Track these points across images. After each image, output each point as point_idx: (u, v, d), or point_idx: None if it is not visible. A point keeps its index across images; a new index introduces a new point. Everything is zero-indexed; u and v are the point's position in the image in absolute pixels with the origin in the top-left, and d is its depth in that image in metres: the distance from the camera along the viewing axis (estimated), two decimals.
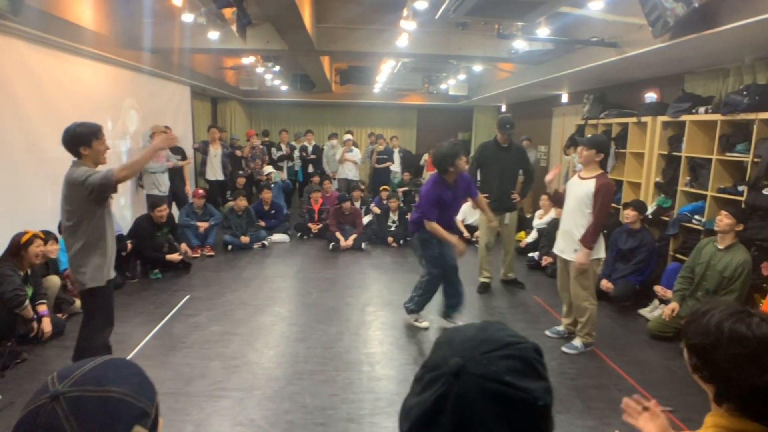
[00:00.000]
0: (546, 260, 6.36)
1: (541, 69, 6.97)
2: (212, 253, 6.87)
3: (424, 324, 4.50)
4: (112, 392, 0.73)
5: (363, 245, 7.37)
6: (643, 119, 5.94)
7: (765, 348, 1.15)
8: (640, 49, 4.55)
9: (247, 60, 9.02)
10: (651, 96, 6.15)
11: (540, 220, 7.20)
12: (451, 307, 4.57)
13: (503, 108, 12.73)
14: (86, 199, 2.94)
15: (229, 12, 5.41)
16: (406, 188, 10.01)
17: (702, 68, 5.33)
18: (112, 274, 3.22)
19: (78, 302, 4.58)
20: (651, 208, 5.63)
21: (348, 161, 9.93)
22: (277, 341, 4.24)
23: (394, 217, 7.85)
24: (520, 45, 5.76)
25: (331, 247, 7.32)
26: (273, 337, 4.33)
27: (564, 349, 4.12)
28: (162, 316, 4.65)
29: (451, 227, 4.47)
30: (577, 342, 4.13)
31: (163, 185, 6.98)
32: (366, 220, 8.18)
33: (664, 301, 4.69)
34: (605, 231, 4.55)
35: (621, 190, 6.31)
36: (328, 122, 13.91)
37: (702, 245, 4.30)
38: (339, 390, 3.46)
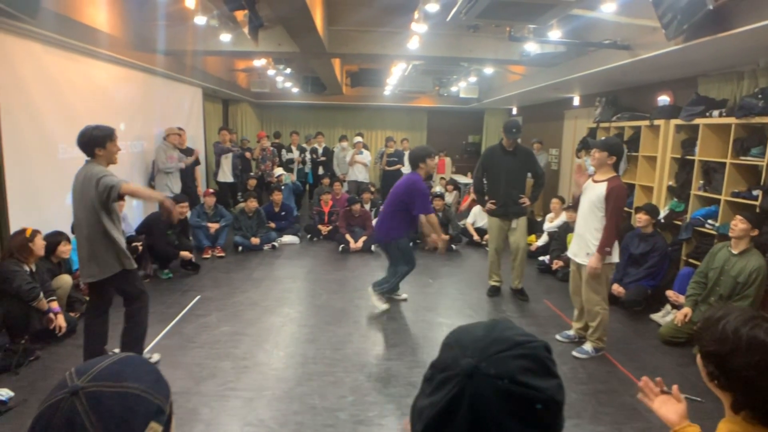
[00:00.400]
0: (557, 264, 6.32)
1: (553, 72, 6.94)
2: (223, 254, 6.91)
3: (385, 305, 4.94)
4: (130, 388, 0.74)
5: (372, 247, 7.37)
6: (656, 122, 5.89)
7: None
8: (653, 51, 4.51)
9: (259, 62, 9.09)
10: (664, 99, 6.10)
11: (551, 223, 7.16)
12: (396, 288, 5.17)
13: (514, 111, 12.70)
14: (98, 196, 3.20)
15: (241, 14, 5.44)
16: None
17: (716, 71, 5.28)
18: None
19: None
20: (663, 212, 5.58)
21: (358, 163, 9.95)
22: (286, 342, 4.25)
23: None
24: (531, 47, 5.74)
25: (340, 249, 7.33)
26: (282, 338, 4.34)
27: (575, 353, 4.09)
28: (173, 316, 4.68)
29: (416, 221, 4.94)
30: (588, 347, 4.10)
31: (175, 186, 7.04)
32: (376, 222, 8.16)
33: (677, 306, 4.64)
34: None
35: (633, 194, 6.26)
36: (338, 124, 13.95)
37: (716, 250, 4.25)
38: (348, 391, 3.46)
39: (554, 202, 7.22)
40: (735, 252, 4.05)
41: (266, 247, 7.35)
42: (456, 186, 10.13)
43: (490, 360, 0.67)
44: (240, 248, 7.16)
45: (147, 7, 6.22)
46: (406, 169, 10.65)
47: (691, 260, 5.16)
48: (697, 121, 5.12)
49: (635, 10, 4.51)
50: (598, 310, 3.98)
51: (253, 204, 7.39)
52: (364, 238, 7.43)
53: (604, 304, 4.00)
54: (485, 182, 5.40)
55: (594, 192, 3.90)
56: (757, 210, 4.27)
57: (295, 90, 11.89)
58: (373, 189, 9.42)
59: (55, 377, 0.74)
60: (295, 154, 10.33)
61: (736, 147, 4.66)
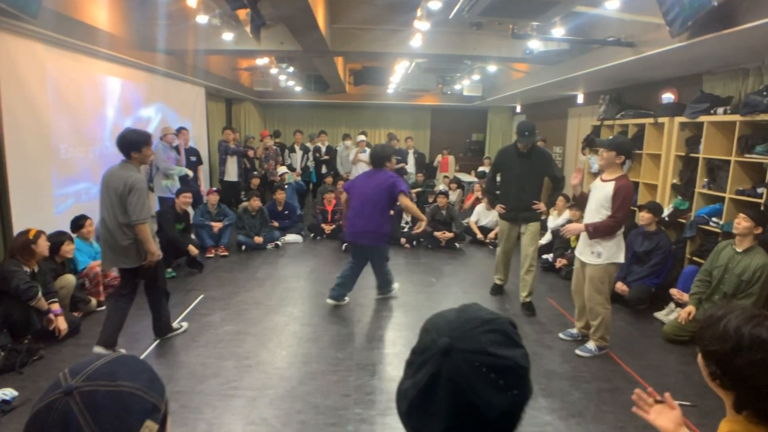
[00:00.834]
0: (560, 262, 6.30)
1: (557, 69, 6.91)
2: (226, 253, 6.92)
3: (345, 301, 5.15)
4: (125, 387, 0.74)
5: (344, 247, 7.34)
6: (660, 120, 5.86)
7: None
8: (657, 48, 4.48)
9: (262, 61, 9.07)
10: (668, 96, 6.07)
11: (555, 221, 7.13)
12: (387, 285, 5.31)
13: (518, 109, 12.66)
14: (122, 202, 3.53)
15: (243, 13, 5.43)
16: (419, 189, 10.00)
17: (721, 68, 5.24)
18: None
19: (94, 301, 4.72)
20: (667, 210, 5.55)
21: (361, 162, 9.93)
22: (289, 341, 4.25)
23: (407, 218, 7.84)
24: (535, 45, 5.70)
25: (344, 247, 7.32)
26: (286, 337, 4.34)
27: (578, 351, 4.08)
28: (176, 315, 4.68)
29: None
30: (591, 345, 4.08)
31: (175, 188, 7.03)
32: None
33: (681, 305, 4.62)
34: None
35: (637, 192, 6.22)
36: (341, 123, 13.94)
37: (720, 248, 4.23)
38: (351, 390, 3.46)
39: (559, 200, 7.19)
40: (739, 250, 4.03)
41: (269, 246, 7.36)
42: (459, 184, 10.11)
43: (463, 337, 0.75)
44: (243, 247, 7.17)
45: (148, 7, 6.22)
46: (410, 167, 10.68)
47: (695, 258, 5.14)
48: (702, 118, 5.09)
49: (639, 7, 4.48)
50: (599, 309, 3.96)
51: (256, 203, 7.40)
52: None
53: (606, 304, 3.99)
54: (498, 183, 5.24)
55: (602, 191, 3.88)
56: (762, 207, 4.24)
57: (298, 88, 11.88)
58: None
59: None
60: (298, 155, 10.32)
61: (740, 144, 4.63)
